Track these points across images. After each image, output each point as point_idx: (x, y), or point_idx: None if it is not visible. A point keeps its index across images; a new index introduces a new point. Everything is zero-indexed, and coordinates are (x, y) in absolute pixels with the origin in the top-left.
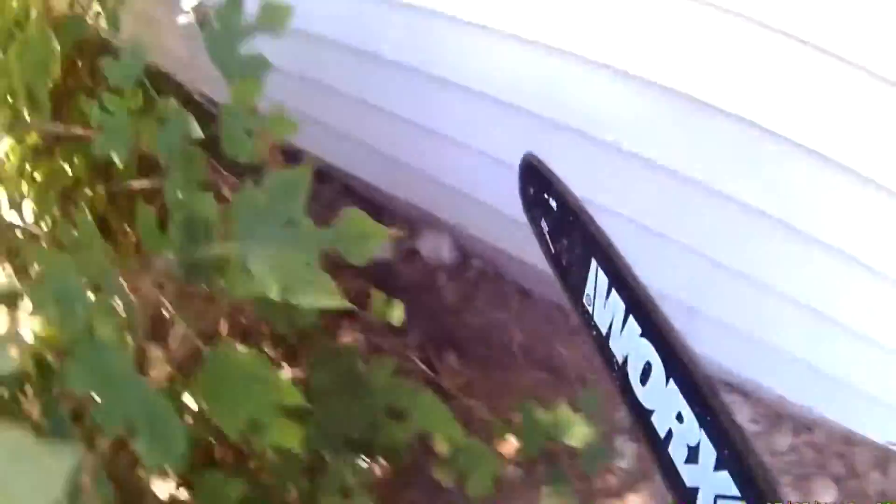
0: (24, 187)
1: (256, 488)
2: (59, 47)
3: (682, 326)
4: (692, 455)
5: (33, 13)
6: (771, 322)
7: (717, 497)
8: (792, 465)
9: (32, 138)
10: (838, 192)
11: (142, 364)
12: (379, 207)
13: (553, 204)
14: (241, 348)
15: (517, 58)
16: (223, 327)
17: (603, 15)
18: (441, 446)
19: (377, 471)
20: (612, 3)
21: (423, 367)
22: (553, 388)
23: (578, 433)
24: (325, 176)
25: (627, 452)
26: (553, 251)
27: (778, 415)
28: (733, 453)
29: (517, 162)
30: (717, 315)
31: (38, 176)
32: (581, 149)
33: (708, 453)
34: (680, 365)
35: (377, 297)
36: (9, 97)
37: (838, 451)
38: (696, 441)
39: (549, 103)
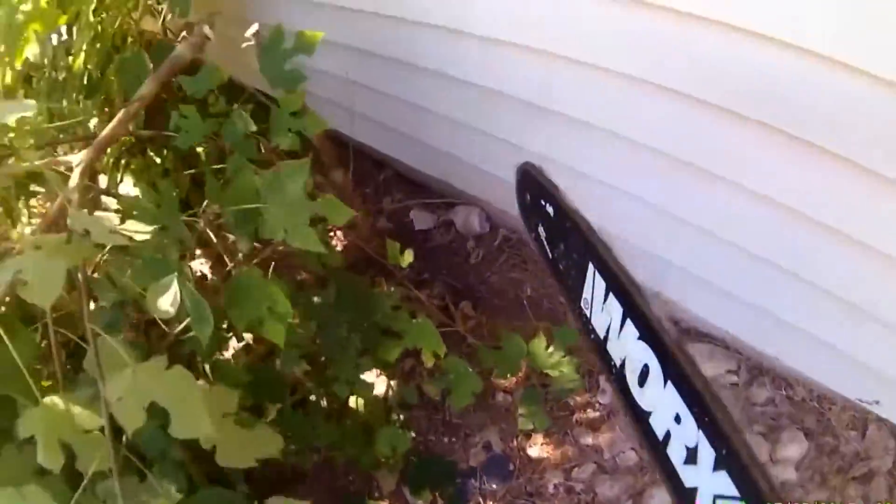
0: (118, 176)
1: (269, 374)
2: (150, 65)
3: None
4: (691, 456)
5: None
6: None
7: (716, 497)
8: (765, 416)
9: (126, 139)
10: None
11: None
12: (421, 186)
13: (550, 210)
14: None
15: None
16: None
17: None
18: (428, 360)
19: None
20: None
21: (440, 313)
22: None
23: (552, 362)
24: (380, 164)
25: (609, 390)
26: (551, 256)
27: (759, 368)
28: (732, 453)
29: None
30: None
31: (133, 166)
32: None
33: (706, 454)
34: (677, 367)
35: (391, 246)
36: (106, 108)
37: (816, 407)
38: (695, 442)
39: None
